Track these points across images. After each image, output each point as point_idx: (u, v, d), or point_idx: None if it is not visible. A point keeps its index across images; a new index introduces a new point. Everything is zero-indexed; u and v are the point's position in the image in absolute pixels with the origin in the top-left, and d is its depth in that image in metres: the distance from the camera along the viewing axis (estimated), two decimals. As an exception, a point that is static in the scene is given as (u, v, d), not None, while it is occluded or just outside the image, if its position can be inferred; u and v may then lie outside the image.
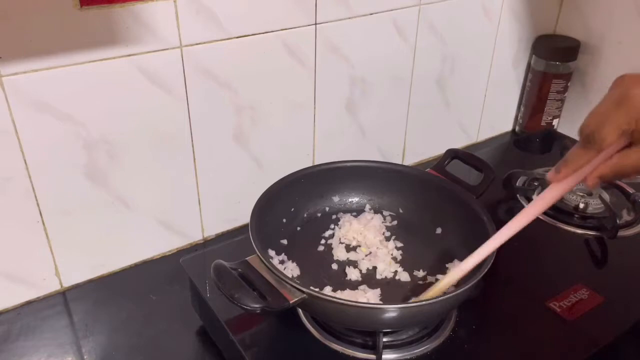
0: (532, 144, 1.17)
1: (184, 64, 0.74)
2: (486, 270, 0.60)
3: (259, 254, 0.61)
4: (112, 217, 0.78)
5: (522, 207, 0.92)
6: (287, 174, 0.75)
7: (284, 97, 0.85)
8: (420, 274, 0.71)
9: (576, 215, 0.89)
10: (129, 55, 0.70)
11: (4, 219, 0.70)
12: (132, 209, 0.79)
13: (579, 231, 0.86)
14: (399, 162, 1.06)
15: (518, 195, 0.94)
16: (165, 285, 0.80)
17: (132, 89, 0.72)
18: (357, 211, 0.80)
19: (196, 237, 0.88)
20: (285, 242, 0.74)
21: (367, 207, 0.80)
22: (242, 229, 0.90)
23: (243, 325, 0.65)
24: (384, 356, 0.62)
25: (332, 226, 0.78)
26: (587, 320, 0.69)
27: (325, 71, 0.87)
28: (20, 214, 0.71)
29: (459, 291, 0.58)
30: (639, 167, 0.49)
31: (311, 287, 0.59)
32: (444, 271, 0.70)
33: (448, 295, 0.58)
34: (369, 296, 0.66)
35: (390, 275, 0.70)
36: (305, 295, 0.57)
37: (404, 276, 0.70)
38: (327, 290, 0.67)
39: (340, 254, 0.73)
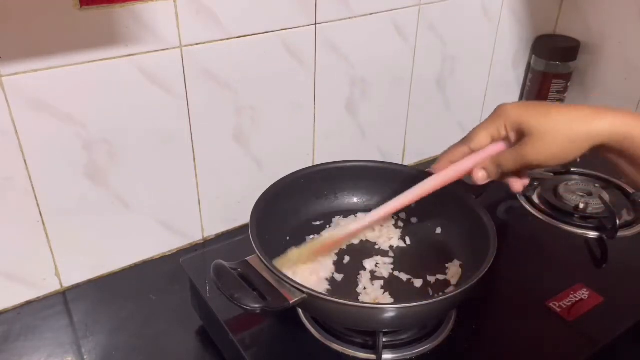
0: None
1: (184, 64, 0.74)
2: (486, 270, 0.60)
3: (259, 254, 0.61)
4: (112, 217, 0.78)
5: (521, 207, 0.92)
6: (287, 174, 0.75)
7: (284, 97, 0.85)
8: (420, 274, 0.71)
9: (576, 215, 0.89)
10: (129, 55, 0.70)
11: (4, 219, 0.70)
12: (132, 209, 0.79)
13: (579, 231, 0.86)
14: (399, 162, 1.06)
15: (517, 195, 0.94)
16: (165, 285, 0.80)
17: (132, 89, 0.72)
18: (357, 211, 0.80)
19: (196, 237, 0.88)
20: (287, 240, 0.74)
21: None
22: (242, 229, 0.90)
23: (243, 325, 0.66)
24: (384, 356, 0.62)
25: (330, 226, 0.78)
26: (587, 320, 0.69)
27: (325, 71, 0.87)
28: (20, 214, 0.71)
29: (459, 291, 0.58)
30: (512, 166, 0.58)
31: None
32: (443, 271, 0.70)
33: (448, 295, 0.58)
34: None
35: (387, 274, 0.70)
36: (305, 295, 0.57)
37: (402, 276, 0.70)
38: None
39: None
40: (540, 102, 0.61)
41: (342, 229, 0.70)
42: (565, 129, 0.55)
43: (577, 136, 0.54)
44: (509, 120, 0.57)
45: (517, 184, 0.62)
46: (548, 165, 0.57)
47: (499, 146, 0.60)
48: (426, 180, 0.64)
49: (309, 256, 0.68)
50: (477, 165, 0.61)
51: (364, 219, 0.68)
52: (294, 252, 0.67)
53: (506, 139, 0.59)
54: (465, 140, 0.62)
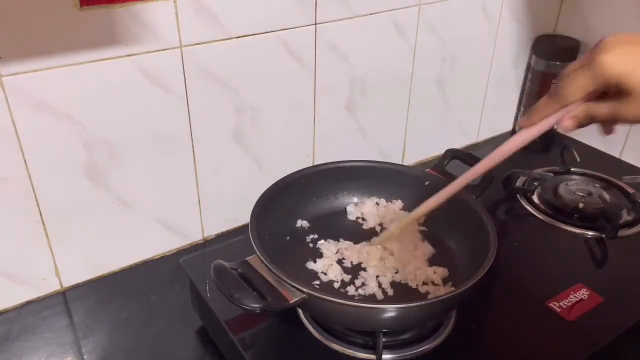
0: (532, 144, 1.17)
1: (184, 64, 0.74)
2: (486, 270, 0.60)
3: (259, 254, 0.61)
4: (112, 217, 0.78)
5: (521, 207, 0.92)
6: (287, 174, 0.75)
7: (284, 97, 0.85)
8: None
9: (576, 215, 0.89)
10: (129, 55, 0.70)
11: (4, 219, 0.70)
12: (132, 209, 0.79)
13: (579, 231, 0.86)
14: (399, 162, 1.06)
15: (518, 195, 0.94)
16: (165, 285, 0.80)
17: (132, 89, 0.72)
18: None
19: (196, 237, 0.88)
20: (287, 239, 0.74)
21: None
22: (242, 229, 0.90)
23: (243, 325, 0.66)
24: (384, 356, 0.62)
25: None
26: (587, 320, 0.69)
27: (325, 71, 0.87)
28: (20, 214, 0.71)
29: (458, 291, 0.58)
30: (605, 120, 0.53)
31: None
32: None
33: (448, 295, 0.58)
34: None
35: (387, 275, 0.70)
36: (305, 295, 0.57)
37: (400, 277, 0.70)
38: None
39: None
40: None
41: (424, 205, 0.68)
42: None
43: None
44: (609, 77, 0.50)
45: (607, 130, 0.57)
46: None
47: (590, 97, 0.53)
48: (516, 136, 0.61)
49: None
50: (567, 114, 0.55)
51: (454, 182, 0.66)
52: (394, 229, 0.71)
53: (599, 91, 0.52)
54: (555, 96, 0.55)
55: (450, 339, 0.65)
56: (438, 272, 0.69)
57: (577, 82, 0.52)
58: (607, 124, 0.55)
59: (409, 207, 0.79)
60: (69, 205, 0.74)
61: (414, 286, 0.68)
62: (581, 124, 0.55)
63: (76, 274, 0.79)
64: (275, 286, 0.58)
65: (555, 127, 0.57)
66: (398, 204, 0.80)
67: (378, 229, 0.78)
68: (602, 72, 0.50)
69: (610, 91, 0.51)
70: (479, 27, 1.04)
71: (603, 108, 0.52)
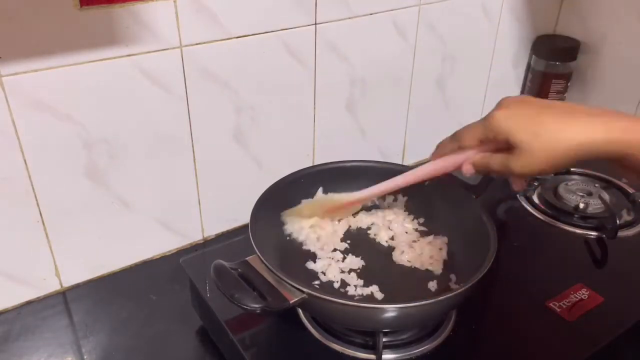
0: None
1: (184, 64, 0.74)
2: (486, 270, 0.60)
3: (259, 254, 0.61)
4: (112, 217, 0.78)
5: (521, 207, 0.92)
6: (287, 174, 0.75)
7: (284, 97, 0.85)
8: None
9: (576, 215, 0.89)
10: (129, 55, 0.70)
11: (4, 219, 0.70)
12: (132, 209, 0.79)
13: (579, 231, 0.86)
14: (399, 162, 1.06)
15: (518, 195, 0.94)
16: (165, 285, 0.80)
17: (132, 89, 0.72)
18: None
19: (196, 237, 0.88)
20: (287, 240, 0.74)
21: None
22: (242, 229, 0.89)
23: (243, 325, 0.66)
24: (384, 356, 0.62)
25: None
26: (587, 320, 0.69)
27: (325, 71, 0.87)
28: (20, 214, 0.71)
29: (459, 291, 0.58)
30: (498, 171, 0.58)
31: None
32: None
33: (448, 295, 0.58)
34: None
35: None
36: (305, 295, 0.57)
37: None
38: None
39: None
40: (538, 105, 0.56)
41: (354, 194, 0.72)
42: (556, 146, 0.53)
43: (567, 152, 0.53)
44: (498, 131, 0.56)
45: (517, 184, 0.63)
46: (535, 175, 0.57)
47: (487, 148, 0.59)
48: (427, 165, 0.67)
49: (322, 214, 0.74)
50: (467, 160, 0.61)
51: (368, 190, 0.71)
52: (307, 206, 0.73)
53: (495, 143, 0.58)
54: (454, 138, 0.62)
55: (450, 339, 0.65)
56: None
57: (471, 130, 0.60)
58: (502, 175, 0.60)
59: (409, 207, 0.79)
60: (69, 205, 0.74)
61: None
62: (479, 172, 0.61)
63: (76, 274, 0.79)
64: (275, 286, 0.58)
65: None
66: (398, 204, 0.80)
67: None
68: (492, 124, 0.56)
69: (504, 146, 0.56)
70: (479, 27, 1.04)
71: (496, 159, 0.58)
